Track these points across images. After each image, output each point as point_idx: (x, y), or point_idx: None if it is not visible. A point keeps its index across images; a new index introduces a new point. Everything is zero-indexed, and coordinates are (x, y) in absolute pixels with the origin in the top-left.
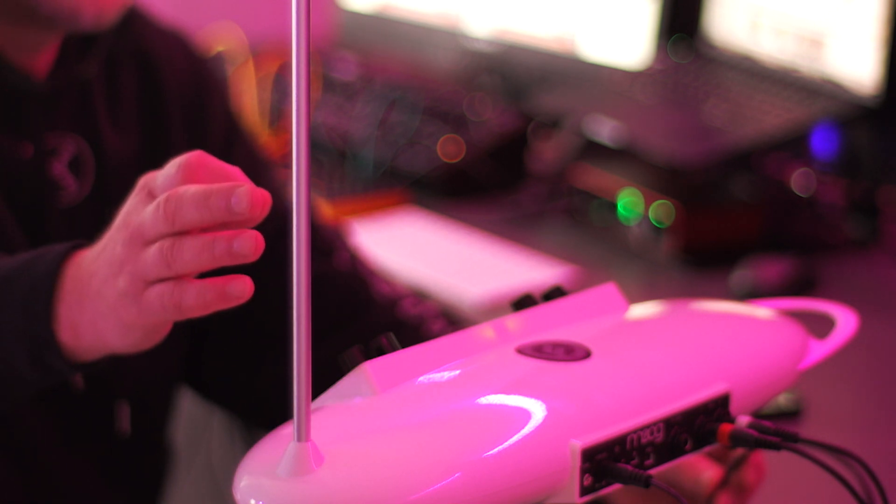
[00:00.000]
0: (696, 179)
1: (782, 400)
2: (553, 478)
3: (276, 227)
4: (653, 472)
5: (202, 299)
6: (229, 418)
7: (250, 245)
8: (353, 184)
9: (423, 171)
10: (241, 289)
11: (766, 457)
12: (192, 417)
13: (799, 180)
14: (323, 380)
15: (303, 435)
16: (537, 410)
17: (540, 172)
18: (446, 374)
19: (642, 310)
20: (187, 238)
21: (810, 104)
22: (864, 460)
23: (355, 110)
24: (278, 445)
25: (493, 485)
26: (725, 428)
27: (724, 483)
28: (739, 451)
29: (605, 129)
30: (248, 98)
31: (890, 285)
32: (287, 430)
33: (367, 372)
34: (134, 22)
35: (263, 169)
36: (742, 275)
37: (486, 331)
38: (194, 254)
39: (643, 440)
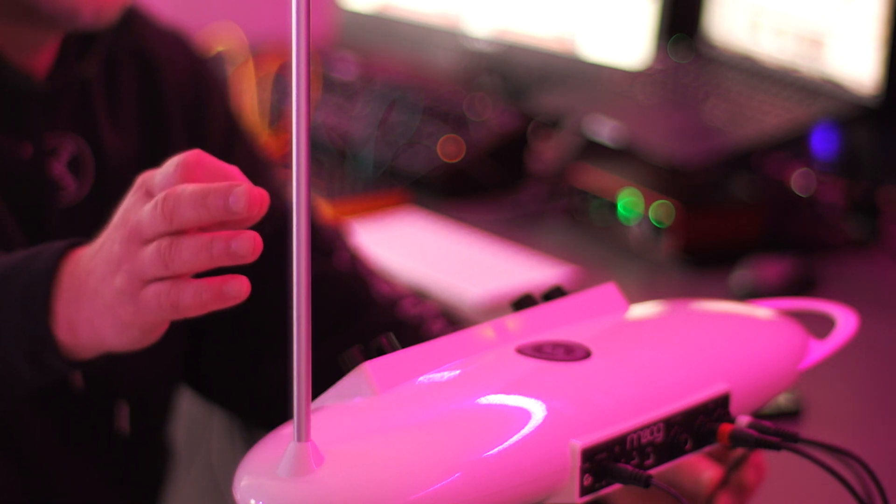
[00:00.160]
0: (696, 179)
1: (782, 400)
2: (553, 478)
3: (275, 227)
4: (653, 472)
5: (199, 299)
6: (229, 418)
7: (248, 245)
8: (353, 184)
9: (423, 171)
10: (238, 289)
11: (766, 457)
12: (192, 417)
13: (799, 180)
14: (323, 380)
15: (303, 435)
16: (537, 410)
17: (540, 172)
18: (446, 374)
19: (642, 310)
20: (185, 238)
21: (810, 104)
22: (864, 460)
23: (355, 110)
24: (278, 445)
25: (493, 485)
26: (725, 428)
27: (724, 483)
28: (739, 451)
29: (605, 129)
30: (248, 98)
31: (890, 285)
32: (287, 430)
33: (367, 372)
34: (134, 22)
35: (263, 169)
36: (742, 275)
37: (486, 331)
38: (192, 253)
39: (643, 440)
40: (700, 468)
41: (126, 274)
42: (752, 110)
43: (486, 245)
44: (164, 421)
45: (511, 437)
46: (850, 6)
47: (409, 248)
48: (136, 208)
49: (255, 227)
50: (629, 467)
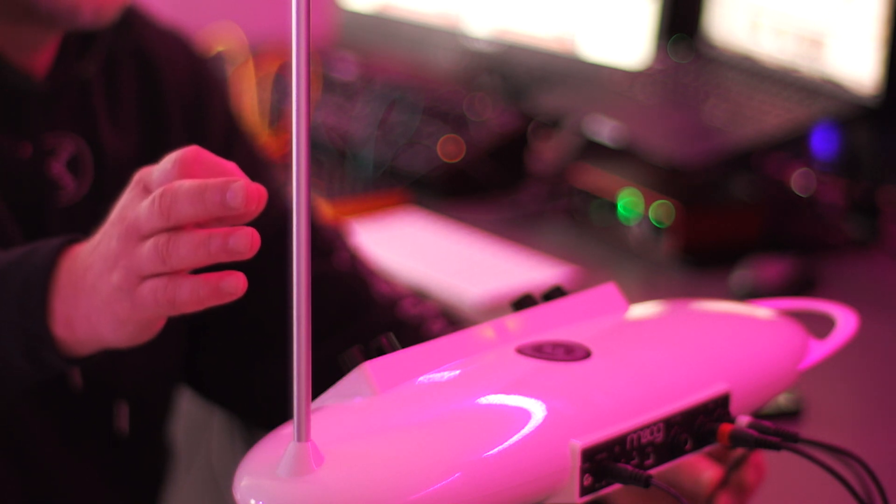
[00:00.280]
0: (696, 179)
1: (782, 400)
2: (553, 478)
3: (275, 227)
4: (653, 472)
5: (196, 295)
6: (229, 418)
7: (246, 242)
8: (353, 184)
9: (423, 171)
10: (235, 285)
11: (766, 457)
12: (192, 417)
13: (799, 180)
14: (323, 380)
15: (303, 435)
16: (537, 410)
17: (540, 172)
18: (446, 374)
19: (642, 310)
20: (183, 234)
21: (810, 104)
22: (864, 460)
23: (355, 110)
24: (278, 445)
25: (493, 485)
26: (725, 428)
27: (724, 483)
28: (739, 451)
29: (605, 129)
30: (248, 98)
31: (890, 285)
32: (287, 430)
33: (367, 372)
34: (134, 22)
35: (263, 169)
36: (742, 275)
37: (486, 331)
38: (190, 250)
39: (643, 440)
40: (700, 468)
41: (123, 270)
42: (752, 110)
43: (486, 245)
44: (164, 421)
45: (511, 437)
46: (850, 6)
47: (409, 248)
48: (133, 204)
49: (255, 228)
50: (629, 467)
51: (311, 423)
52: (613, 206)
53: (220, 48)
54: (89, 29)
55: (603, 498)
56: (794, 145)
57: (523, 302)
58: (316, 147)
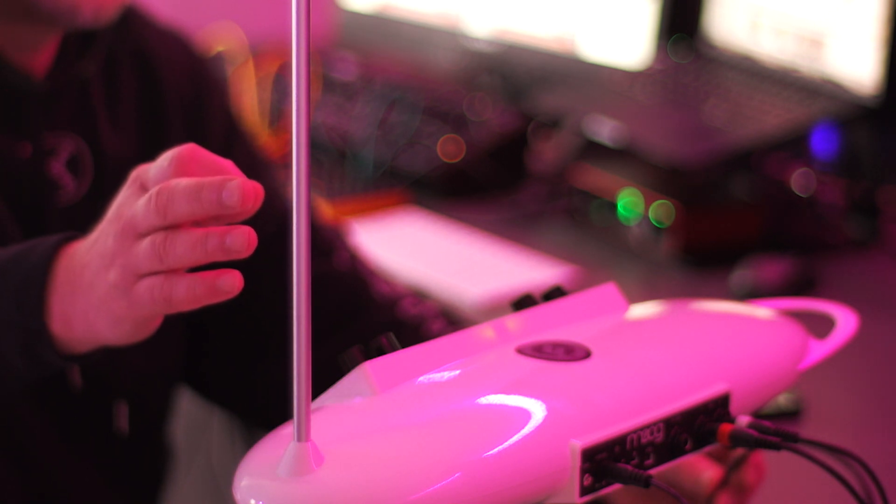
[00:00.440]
0: (696, 179)
1: (782, 400)
2: (553, 478)
3: (275, 227)
4: (653, 472)
5: (192, 293)
6: (229, 418)
7: (243, 241)
8: (353, 184)
9: (423, 171)
10: (232, 283)
11: (766, 457)
12: (192, 417)
13: (799, 180)
14: (323, 380)
15: (303, 435)
16: (537, 410)
17: (540, 172)
18: (446, 374)
19: (642, 310)
20: (180, 233)
21: (810, 104)
22: (864, 460)
23: (355, 110)
24: (278, 445)
25: (493, 485)
26: (725, 428)
27: (724, 483)
28: (739, 451)
29: (605, 129)
30: (248, 98)
31: (890, 285)
32: (287, 430)
33: (367, 372)
34: (133, 22)
35: (263, 169)
36: (742, 275)
37: (486, 331)
38: (187, 248)
39: (643, 440)
40: (700, 468)
41: (120, 268)
42: (752, 110)
43: (486, 245)
44: (164, 421)
45: (511, 437)
46: (850, 6)
47: (409, 248)
48: (130, 202)
49: (254, 228)
50: (629, 467)
51: (311, 423)
52: (613, 206)
53: (220, 48)
54: (89, 28)
55: (603, 498)
56: (794, 145)
57: (523, 302)
58: (316, 147)
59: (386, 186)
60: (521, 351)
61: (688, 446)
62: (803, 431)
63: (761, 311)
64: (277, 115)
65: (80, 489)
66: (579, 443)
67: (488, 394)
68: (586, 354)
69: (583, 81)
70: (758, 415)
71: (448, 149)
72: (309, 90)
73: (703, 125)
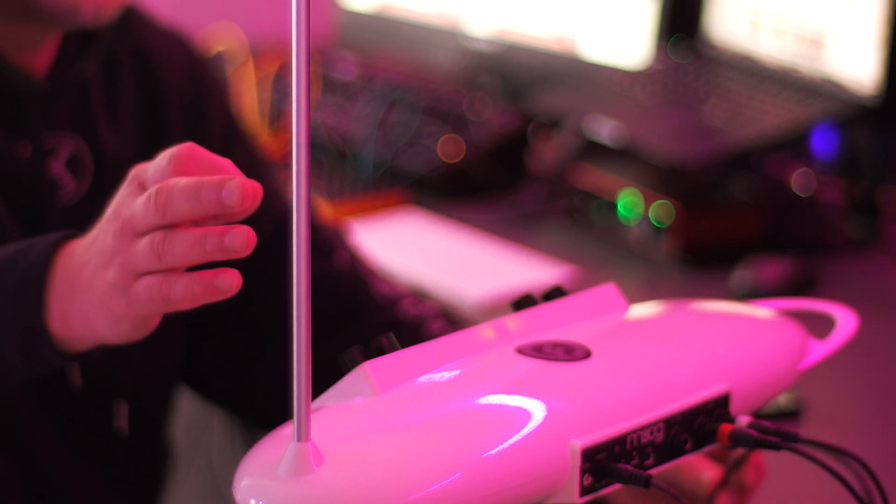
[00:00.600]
0: (696, 179)
1: (782, 400)
2: (553, 478)
3: (275, 227)
4: (653, 472)
5: (191, 292)
6: (229, 418)
7: (242, 240)
8: (353, 184)
9: (423, 171)
10: (230, 282)
11: (766, 457)
12: (192, 417)
13: (799, 180)
14: (323, 380)
15: (303, 435)
16: (537, 410)
17: (540, 172)
18: (446, 374)
19: (642, 310)
20: (179, 232)
21: (810, 104)
22: (864, 460)
23: (355, 110)
24: (278, 445)
25: (493, 485)
26: (725, 428)
27: (724, 483)
28: (739, 451)
29: (605, 129)
30: (248, 98)
31: (890, 285)
32: (287, 430)
33: (367, 372)
34: (133, 22)
35: (263, 169)
36: (742, 275)
37: (486, 331)
38: (186, 248)
39: (643, 440)
40: (700, 468)
41: (119, 267)
42: (752, 110)
43: (486, 245)
44: (164, 420)
45: (511, 437)
46: (850, 6)
47: (409, 248)
48: (128, 201)
49: (254, 228)
50: (629, 467)
51: (311, 423)
52: (613, 206)
53: (220, 48)
54: (89, 28)
55: (603, 498)
56: (794, 145)
57: (523, 302)
58: (316, 147)
59: (386, 186)
60: (521, 351)
61: (688, 446)
62: (803, 431)
63: (761, 311)
64: (277, 115)
65: (80, 489)
66: (579, 443)
67: (488, 394)
68: (586, 354)
69: (583, 81)
70: (758, 415)
71: (448, 149)
72: (309, 90)
73: (703, 125)
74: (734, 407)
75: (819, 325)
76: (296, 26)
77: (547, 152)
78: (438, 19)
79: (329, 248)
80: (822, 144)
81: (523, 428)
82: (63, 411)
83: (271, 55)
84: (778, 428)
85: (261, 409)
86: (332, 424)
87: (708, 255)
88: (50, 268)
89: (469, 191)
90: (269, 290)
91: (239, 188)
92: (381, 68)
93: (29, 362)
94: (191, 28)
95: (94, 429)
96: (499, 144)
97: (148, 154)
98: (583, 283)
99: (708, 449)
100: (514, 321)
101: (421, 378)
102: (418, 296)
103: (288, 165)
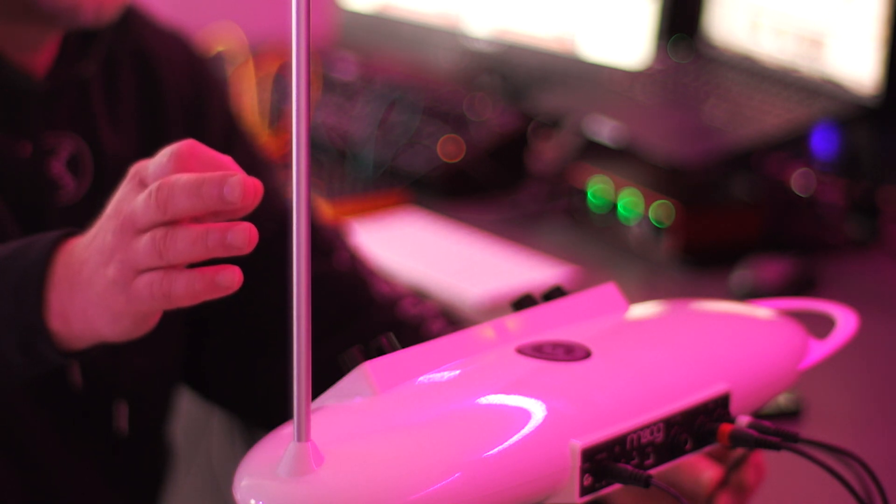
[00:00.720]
0: (696, 179)
1: (782, 400)
2: (553, 478)
3: (275, 227)
4: (653, 472)
5: (191, 288)
6: (229, 418)
7: (244, 237)
8: (353, 184)
9: (423, 171)
10: (231, 279)
11: (766, 457)
12: (192, 417)
13: (799, 180)
14: (323, 380)
15: (303, 435)
16: (537, 410)
17: (540, 172)
18: (446, 374)
19: (642, 310)
20: (180, 228)
21: (810, 104)
22: (864, 460)
23: (355, 110)
24: (278, 445)
25: (493, 485)
26: (725, 428)
27: (724, 483)
28: (739, 451)
29: (605, 129)
30: (248, 98)
31: (890, 285)
32: (287, 430)
33: (367, 372)
34: (133, 22)
35: (263, 169)
36: (742, 275)
37: (486, 331)
38: (187, 245)
39: (643, 440)
40: (700, 468)
41: (119, 264)
42: (752, 110)
43: (486, 245)
44: (164, 420)
45: (511, 437)
46: (850, 6)
47: (409, 248)
48: (129, 198)
49: (254, 227)
50: (629, 467)
51: (311, 423)
52: (613, 206)
53: (220, 48)
54: (90, 28)
55: (603, 498)
56: (794, 145)
57: (523, 302)
58: (316, 147)
59: (386, 186)
60: (521, 351)
61: (688, 446)
62: (803, 431)
63: (761, 311)
64: (277, 115)
65: (80, 489)
66: (579, 443)
67: (488, 394)
68: (586, 354)
69: (583, 81)
70: (758, 415)
71: (448, 149)
72: (309, 90)
73: (703, 125)
74: (734, 407)
75: (819, 325)
76: (296, 26)
77: (547, 152)
78: (438, 19)
79: (329, 248)
80: (822, 144)
81: (523, 428)
82: (63, 411)
83: (271, 55)
84: (778, 428)
85: (261, 409)
86: (332, 424)
87: (708, 255)
88: (50, 266)
89: (469, 191)
90: (269, 290)
91: (241, 184)
92: (381, 68)
93: (29, 360)
94: (191, 28)
95: (95, 429)
96: (499, 144)
97: (148, 154)
98: (583, 283)
99: (708, 449)
100: (514, 321)
101: (421, 378)
102: (418, 296)
103: (288, 165)
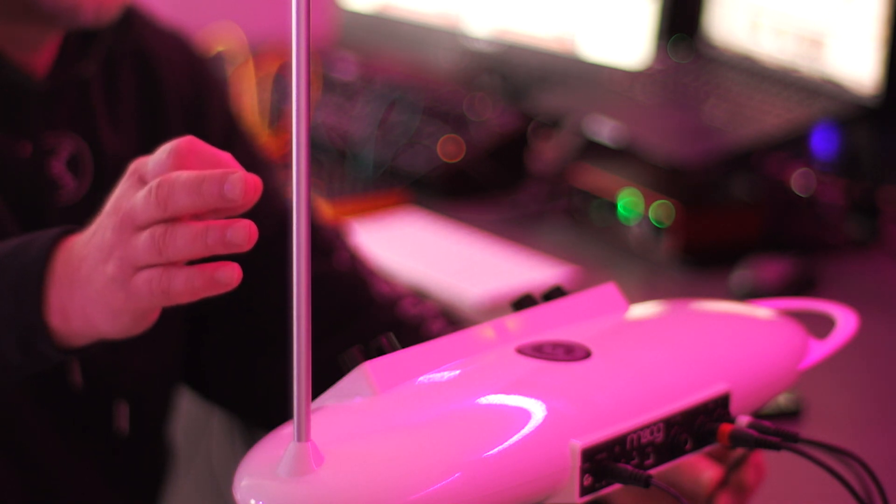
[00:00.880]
0: (696, 179)
1: (782, 400)
2: (553, 478)
3: (275, 227)
4: (653, 472)
5: (190, 285)
6: (229, 418)
7: (244, 235)
8: (353, 184)
9: (423, 171)
10: (230, 276)
11: (766, 457)
12: (192, 417)
13: (799, 180)
14: (323, 380)
15: (303, 435)
16: (537, 410)
17: (540, 172)
18: (446, 374)
19: (642, 310)
20: (180, 226)
21: (810, 104)
22: (864, 460)
23: (355, 110)
24: (278, 445)
25: (493, 485)
26: (725, 428)
27: (724, 483)
28: (739, 451)
29: (605, 129)
30: (248, 98)
31: (890, 285)
32: (287, 430)
33: (367, 372)
34: (134, 22)
35: (263, 168)
36: (742, 275)
37: (486, 331)
38: (187, 242)
39: (643, 440)
40: (700, 468)
41: (118, 260)
42: (752, 110)
43: (486, 245)
44: (164, 420)
45: (511, 437)
46: (850, 6)
47: (409, 248)
48: (128, 195)
49: (254, 224)
50: (629, 467)
51: (311, 423)
52: (613, 206)
53: (220, 48)
54: (90, 28)
55: (603, 498)
56: (794, 145)
57: (523, 302)
58: (316, 147)
59: (386, 186)
60: (521, 351)
61: (688, 446)
62: (803, 431)
63: (761, 311)
64: (277, 115)
65: (80, 489)
66: (579, 443)
67: (488, 394)
68: (586, 354)
69: (583, 81)
70: (758, 415)
71: (448, 149)
72: (309, 90)
73: (703, 125)
74: (734, 407)
75: (819, 325)
76: (296, 26)
77: (547, 152)
78: (438, 19)
79: (329, 248)
80: (822, 144)
81: (523, 428)
82: (63, 411)
83: (271, 55)
84: (778, 428)
85: (261, 409)
86: (332, 424)
87: (708, 255)
88: (49, 263)
89: (469, 191)
90: (269, 290)
91: (242, 182)
92: (381, 68)
93: (28, 358)
94: (191, 28)
95: (95, 428)
96: (499, 144)
97: (148, 154)
98: (583, 283)
99: (708, 449)
100: (514, 321)
101: (421, 378)
102: (418, 296)
103: (288, 165)
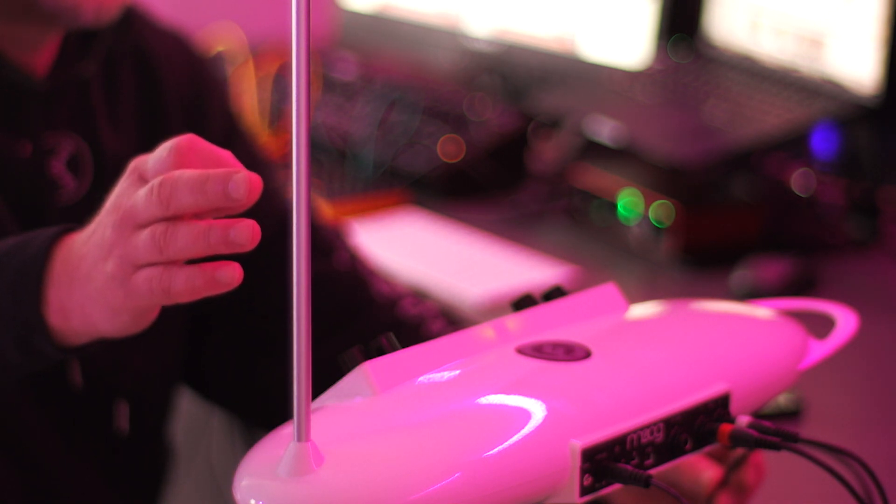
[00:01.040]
0: (696, 179)
1: (782, 400)
2: (553, 478)
3: (275, 226)
4: (653, 472)
5: (191, 284)
6: (229, 418)
7: (247, 234)
8: (353, 184)
9: (423, 171)
10: (231, 275)
11: (766, 457)
12: (192, 417)
13: (799, 180)
14: (323, 380)
15: (303, 435)
16: (537, 410)
17: (540, 172)
18: (446, 374)
19: (642, 310)
20: (182, 224)
21: (810, 104)
22: (864, 460)
23: (355, 110)
24: (278, 445)
25: (493, 485)
26: (725, 428)
27: (724, 483)
28: (739, 451)
29: (605, 129)
30: (248, 98)
31: (890, 285)
32: (287, 430)
33: (367, 372)
34: (134, 22)
35: (263, 168)
36: (742, 275)
37: (486, 331)
38: (189, 241)
39: (643, 440)
40: (700, 468)
41: (118, 259)
42: (752, 110)
43: (486, 245)
44: (164, 420)
45: (511, 437)
46: (850, 6)
47: (409, 248)
48: (128, 193)
49: (257, 224)
50: (629, 467)
51: (311, 423)
52: (613, 206)
53: (220, 48)
54: (90, 28)
55: (603, 498)
56: (794, 145)
57: (523, 302)
58: (316, 147)
59: (386, 186)
60: (521, 351)
61: (688, 446)
62: (803, 431)
63: (761, 311)
64: (277, 115)
65: (80, 489)
66: (579, 443)
67: (488, 394)
68: (586, 354)
69: (583, 81)
70: (758, 415)
71: (448, 149)
72: (309, 90)
73: (703, 125)
74: (734, 407)
75: (819, 325)
76: (296, 26)
77: (547, 152)
78: (438, 19)
79: (329, 248)
80: (822, 144)
81: (523, 428)
82: (63, 411)
83: (271, 55)
84: (778, 428)
85: (261, 409)
86: (332, 424)
87: (708, 255)
88: (49, 261)
89: (469, 191)
90: (269, 290)
91: (245, 181)
92: (381, 68)
93: (27, 356)
94: (191, 28)
95: (95, 428)
96: (499, 144)
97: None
98: (583, 283)
99: (708, 449)
100: (514, 321)
101: (421, 378)
102: (418, 296)
103: (288, 165)
